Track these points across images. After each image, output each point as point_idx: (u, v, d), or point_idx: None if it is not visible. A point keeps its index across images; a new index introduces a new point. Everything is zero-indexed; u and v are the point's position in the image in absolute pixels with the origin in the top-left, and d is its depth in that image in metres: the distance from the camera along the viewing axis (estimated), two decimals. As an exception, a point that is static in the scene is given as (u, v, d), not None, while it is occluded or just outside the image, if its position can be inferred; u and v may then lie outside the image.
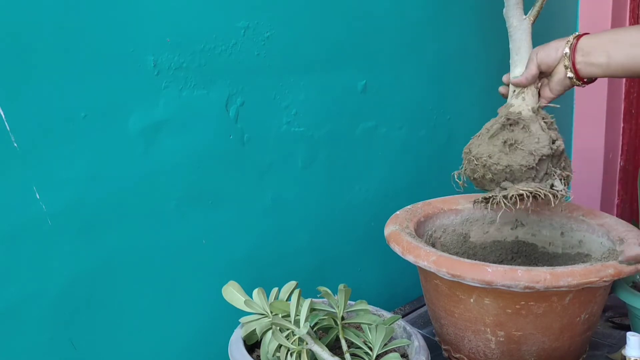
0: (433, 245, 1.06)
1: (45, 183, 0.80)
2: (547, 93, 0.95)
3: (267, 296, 0.85)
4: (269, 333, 0.80)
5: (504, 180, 0.91)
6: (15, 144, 0.77)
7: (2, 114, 0.75)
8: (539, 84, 0.95)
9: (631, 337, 0.79)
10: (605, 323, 1.13)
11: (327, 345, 0.82)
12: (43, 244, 0.81)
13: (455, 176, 0.97)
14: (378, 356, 0.81)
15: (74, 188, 0.83)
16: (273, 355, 0.79)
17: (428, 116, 1.35)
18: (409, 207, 1.08)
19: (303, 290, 0.84)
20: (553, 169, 0.91)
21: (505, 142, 0.91)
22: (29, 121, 0.78)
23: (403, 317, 1.17)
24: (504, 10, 0.95)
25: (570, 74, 0.91)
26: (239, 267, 1.04)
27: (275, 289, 0.87)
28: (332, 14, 1.11)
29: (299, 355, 0.77)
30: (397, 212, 1.05)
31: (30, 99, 0.78)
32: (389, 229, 0.98)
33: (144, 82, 0.88)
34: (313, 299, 0.84)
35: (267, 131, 1.05)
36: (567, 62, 0.90)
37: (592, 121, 1.80)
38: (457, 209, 1.12)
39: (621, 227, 0.98)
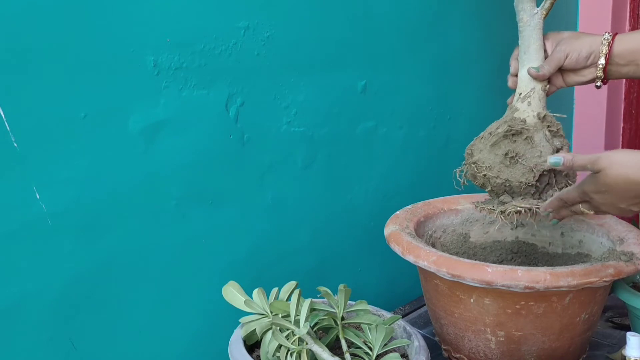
0: (433, 245, 1.06)
1: (45, 183, 0.80)
2: (560, 82, 0.94)
3: (267, 296, 0.85)
4: (269, 333, 0.81)
5: (503, 193, 0.89)
6: (15, 144, 0.77)
7: (2, 114, 0.75)
8: (547, 85, 0.92)
9: (631, 337, 0.79)
10: (605, 323, 1.13)
11: (327, 345, 0.82)
12: (43, 244, 0.81)
13: (457, 174, 0.95)
14: (378, 356, 0.81)
15: (74, 188, 0.83)
16: (273, 355, 0.79)
17: (428, 116, 1.35)
18: (409, 207, 1.08)
19: (303, 290, 0.84)
20: (555, 179, 0.88)
21: (506, 154, 0.88)
22: (29, 121, 0.78)
23: (403, 317, 1.17)
24: (515, 1, 0.91)
25: (599, 83, 0.90)
26: (239, 267, 1.04)
27: (275, 289, 0.87)
28: (332, 14, 1.11)
29: (299, 355, 0.77)
30: (397, 212, 1.06)
31: (30, 99, 0.77)
32: (389, 229, 0.98)
33: (144, 82, 0.88)
34: (313, 299, 0.84)
35: (267, 131, 1.05)
36: (600, 73, 0.89)
37: (592, 121, 1.80)
38: (457, 209, 1.12)
39: (621, 227, 0.98)
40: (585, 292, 0.85)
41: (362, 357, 0.81)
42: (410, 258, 0.89)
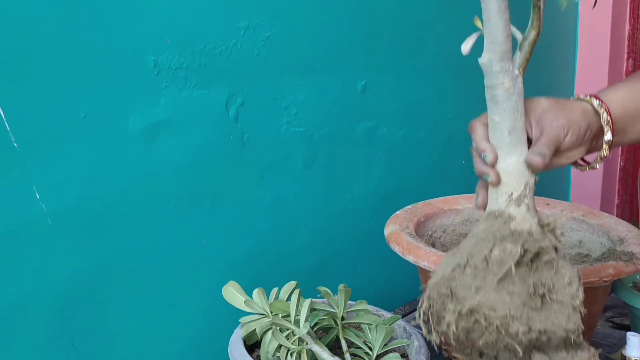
0: (433, 245, 1.06)
1: (45, 183, 0.80)
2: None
3: (267, 296, 0.85)
4: (269, 333, 0.80)
5: (530, 351, 0.60)
6: (15, 144, 0.77)
7: (2, 114, 0.75)
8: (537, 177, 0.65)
9: (631, 337, 0.79)
10: (605, 323, 1.13)
11: (327, 345, 0.82)
12: (43, 244, 0.81)
13: (419, 320, 0.62)
14: (378, 356, 0.81)
15: (74, 188, 0.83)
16: (273, 355, 0.79)
17: (428, 116, 1.35)
18: (409, 207, 1.08)
19: (303, 290, 0.84)
20: None
21: (534, 290, 0.59)
22: (29, 121, 0.78)
23: (403, 317, 1.17)
24: (484, 59, 0.60)
25: (598, 165, 0.70)
26: (239, 267, 1.04)
27: (275, 289, 0.87)
28: (332, 14, 1.11)
29: (299, 355, 0.77)
30: (397, 212, 1.05)
31: (30, 99, 0.77)
32: (389, 229, 0.98)
33: (144, 82, 0.88)
34: (313, 299, 0.84)
35: (267, 131, 1.05)
36: (605, 152, 0.69)
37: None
38: (457, 209, 1.12)
39: (621, 227, 0.98)
40: (585, 292, 0.85)
41: (362, 357, 0.81)
42: (410, 258, 0.89)
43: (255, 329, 0.82)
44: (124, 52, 0.85)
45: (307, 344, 0.76)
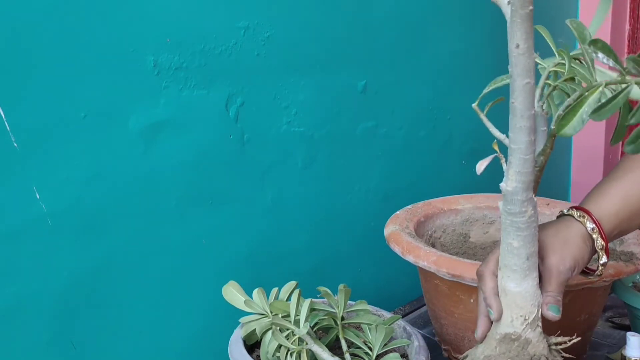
0: (433, 245, 1.06)
1: (45, 183, 0.80)
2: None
3: (267, 296, 0.85)
4: (269, 333, 0.81)
5: None
6: (15, 144, 0.77)
7: (2, 114, 0.75)
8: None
9: (631, 337, 0.79)
10: (605, 323, 1.13)
11: (327, 345, 0.82)
12: (43, 244, 0.81)
13: None
14: (378, 356, 0.81)
15: (74, 188, 0.83)
16: (273, 355, 0.79)
17: (428, 116, 1.35)
18: (409, 207, 1.08)
19: (303, 290, 0.84)
20: None
21: None
22: (29, 121, 0.78)
23: (403, 317, 1.17)
24: (509, 187, 0.60)
25: (595, 277, 0.73)
26: (239, 267, 1.04)
27: (275, 289, 0.87)
28: (331, 14, 1.11)
29: (299, 355, 0.77)
30: (397, 212, 1.05)
31: (30, 99, 0.78)
32: (389, 229, 0.98)
33: (144, 82, 0.88)
34: (313, 299, 0.84)
35: (267, 131, 1.05)
36: (601, 271, 0.71)
37: (592, 121, 1.80)
38: (457, 209, 1.12)
39: (621, 227, 0.98)
40: (585, 292, 0.85)
41: (362, 357, 0.81)
42: (410, 258, 0.89)
43: (255, 329, 0.82)
44: (124, 52, 0.85)
45: (307, 344, 0.76)
